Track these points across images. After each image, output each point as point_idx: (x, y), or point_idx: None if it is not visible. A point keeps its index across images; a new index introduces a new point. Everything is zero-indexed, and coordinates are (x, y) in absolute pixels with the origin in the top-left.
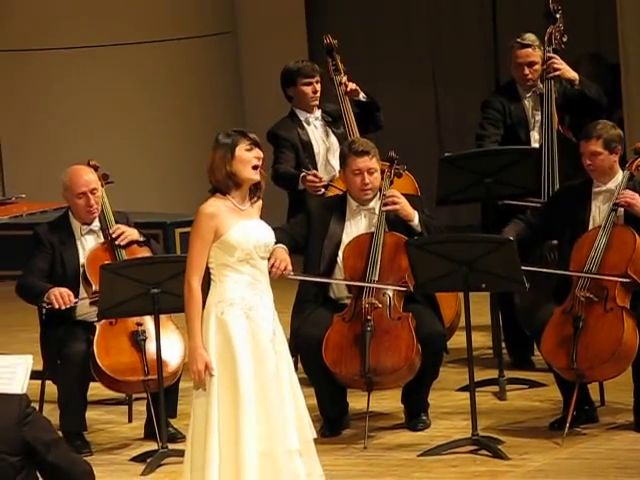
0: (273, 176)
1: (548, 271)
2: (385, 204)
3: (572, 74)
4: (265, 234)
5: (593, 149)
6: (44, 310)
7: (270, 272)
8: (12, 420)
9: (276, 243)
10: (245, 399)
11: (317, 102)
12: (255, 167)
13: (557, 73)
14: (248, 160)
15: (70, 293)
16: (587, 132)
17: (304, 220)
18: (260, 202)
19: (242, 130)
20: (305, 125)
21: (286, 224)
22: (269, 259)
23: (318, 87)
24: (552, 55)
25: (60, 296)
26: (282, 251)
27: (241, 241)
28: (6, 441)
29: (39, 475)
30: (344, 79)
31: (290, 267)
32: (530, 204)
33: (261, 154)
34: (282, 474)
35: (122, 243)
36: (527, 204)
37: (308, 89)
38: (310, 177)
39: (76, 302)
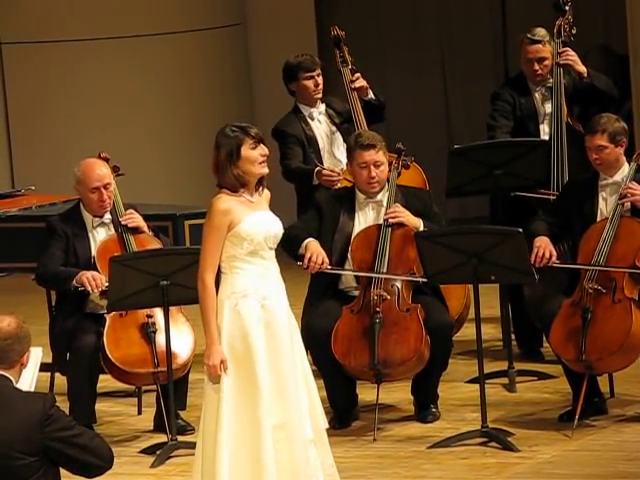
0: (284, 172)
1: (560, 265)
2: (387, 220)
3: (581, 67)
4: (275, 225)
5: (598, 143)
6: (69, 292)
7: (307, 267)
8: (34, 422)
9: (302, 239)
10: (262, 389)
11: (320, 95)
12: (261, 163)
13: (569, 62)
14: (255, 158)
15: (102, 277)
16: (591, 126)
17: (315, 215)
18: (268, 192)
19: (244, 127)
20: (309, 120)
21: (299, 221)
22: (304, 254)
23: (320, 80)
24: (565, 49)
25: (93, 279)
26: (316, 244)
27: (252, 232)
28: (25, 442)
29: (61, 466)
30: (355, 76)
31: (327, 260)
32: (541, 196)
33: (266, 150)
34: (298, 463)
35: (129, 225)
36: (538, 196)
37: (310, 83)
38: (326, 172)
39: (107, 286)
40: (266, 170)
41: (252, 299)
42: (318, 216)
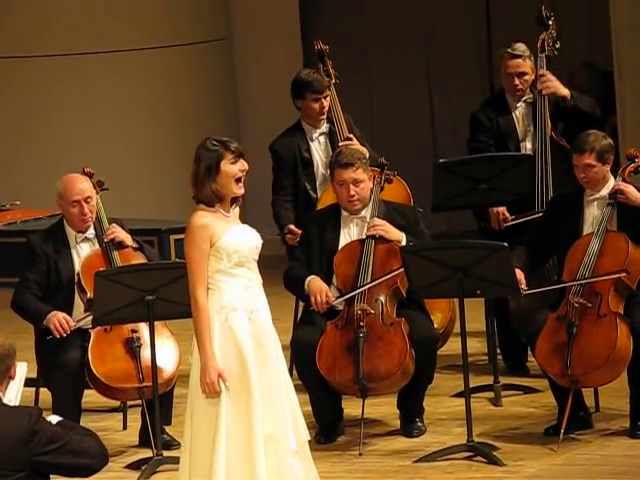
0: (271, 205)
1: (547, 289)
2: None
3: (564, 91)
4: (255, 236)
5: (587, 162)
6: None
7: (316, 308)
8: (19, 438)
9: (303, 278)
10: (256, 400)
11: (324, 117)
12: (239, 179)
13: (550, 91)
14: (234, 174)
15: (69, 319)
16: (579, 145)
17: (306, 243)
18: (237, 209)
19: (224, 141)
20: (308, 141)
21: (294, 259)
22: (309, 295)
23: (326, 103)
24: (544, 72)
25: (59, 324)
26: (316, 282)
27: (236, 246)
28: (11, 458)
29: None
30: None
31: (330, 294)
32: (530, 218)
33: (246, 166)
34: (285, 475)
35: (113, 239)
36: (528, 219)
37: (316, 105)
38: (291, 228)
39: (76, 325)
40: (241, 191)
41: (241, 313)
42: (307, 244)
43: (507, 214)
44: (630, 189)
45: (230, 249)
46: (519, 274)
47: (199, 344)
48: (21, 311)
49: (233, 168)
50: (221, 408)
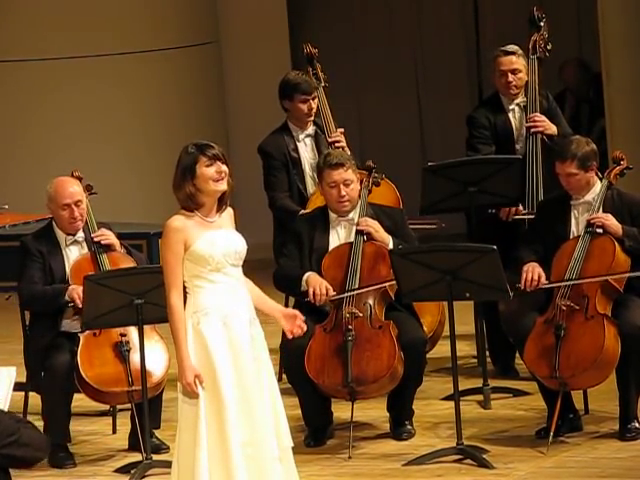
0: (270, 205)
1: (549, 286)
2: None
3: (551, 130)
4: (234, 242)
5: (568, 171)
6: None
7: (314, 301)
8: None
9: (299, 276)
10: (228, 406)
11: (311, 119)
12: (217, 180)
13: (539, 129)
14: (210, 176)
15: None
16: (561, 153)
17: (296, 243)
18: (231, 210)
19: (202, 145)
20: (295, 141)
21: (284, 259)
22: (307, 289)
23: (314, 104)
24: (534, 115)
25: (82, 293)
26: (315, 276)
27: (209, 251)
28: None
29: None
30: (336, 134)
31: (330, 287)
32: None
33: (223, 167)
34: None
35: (102, 242)
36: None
37: (304, 107)
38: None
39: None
40: (223, 187)
41: (213, 317)
42: (299, 244)
43: (520, 206)
44: (609, 222)
45: (203, 254)
46: (537, 267)
47: (175, 346)
48: (38, 298)
49: (209, 171)
50: (200, 410)
